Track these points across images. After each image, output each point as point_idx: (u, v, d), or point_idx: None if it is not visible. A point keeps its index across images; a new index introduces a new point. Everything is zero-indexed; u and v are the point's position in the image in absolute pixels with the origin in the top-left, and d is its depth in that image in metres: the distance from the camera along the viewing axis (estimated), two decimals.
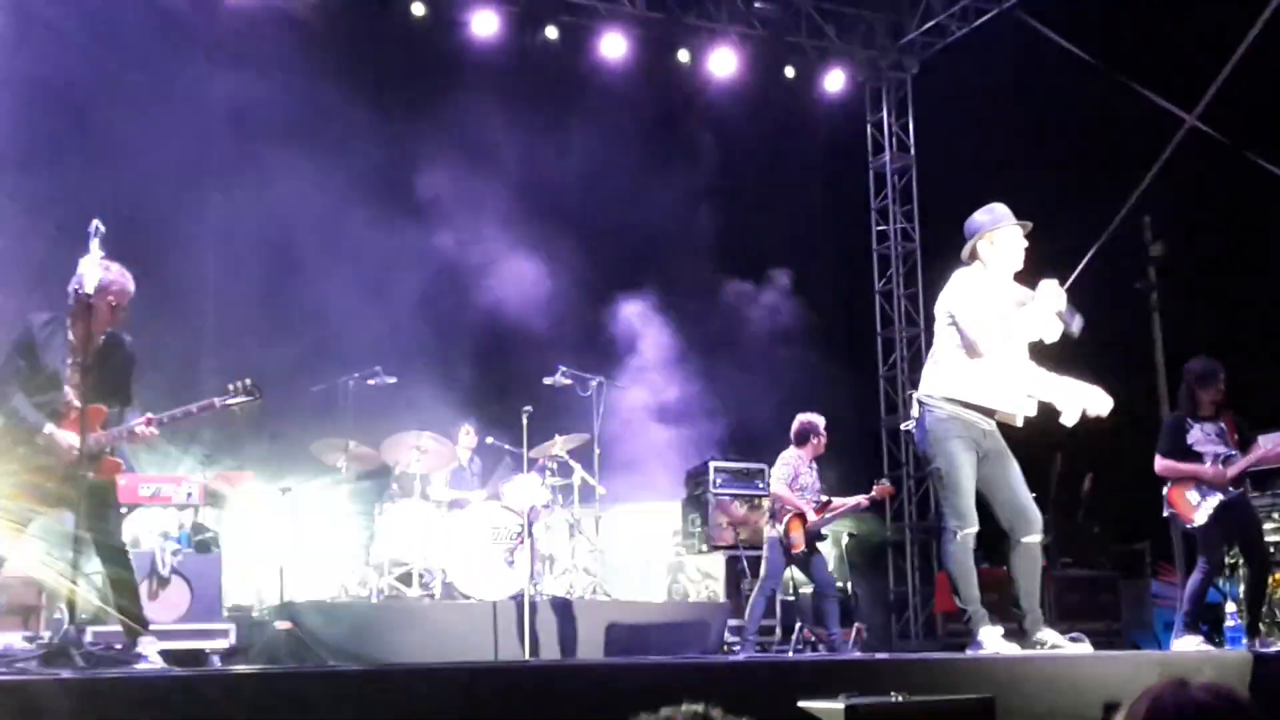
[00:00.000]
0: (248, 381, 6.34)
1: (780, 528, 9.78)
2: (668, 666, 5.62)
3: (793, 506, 9.82)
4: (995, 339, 6.13)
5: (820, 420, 10.11)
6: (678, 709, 1.82)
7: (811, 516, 9.80)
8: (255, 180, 10.85)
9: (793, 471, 9.96)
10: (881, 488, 10.38)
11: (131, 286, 6.10)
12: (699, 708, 1.84)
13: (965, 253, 6.40)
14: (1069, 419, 6.34)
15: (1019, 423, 6.34)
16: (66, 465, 5.76)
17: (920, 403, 6.38)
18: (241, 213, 10.95)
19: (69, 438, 5.81)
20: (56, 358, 5.97)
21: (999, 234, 6.31)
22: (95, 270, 5.74)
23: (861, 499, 10.20)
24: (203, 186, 11.17)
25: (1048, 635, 6.23)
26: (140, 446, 9.09)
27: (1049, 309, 6.09)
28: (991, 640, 6.15)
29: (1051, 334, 6.20)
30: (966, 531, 6.21)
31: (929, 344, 6.71)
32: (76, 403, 5.85)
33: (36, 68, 10.02)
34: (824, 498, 9.99)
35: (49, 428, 5.84)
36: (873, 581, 13.63)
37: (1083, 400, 6.28)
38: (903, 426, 6.22)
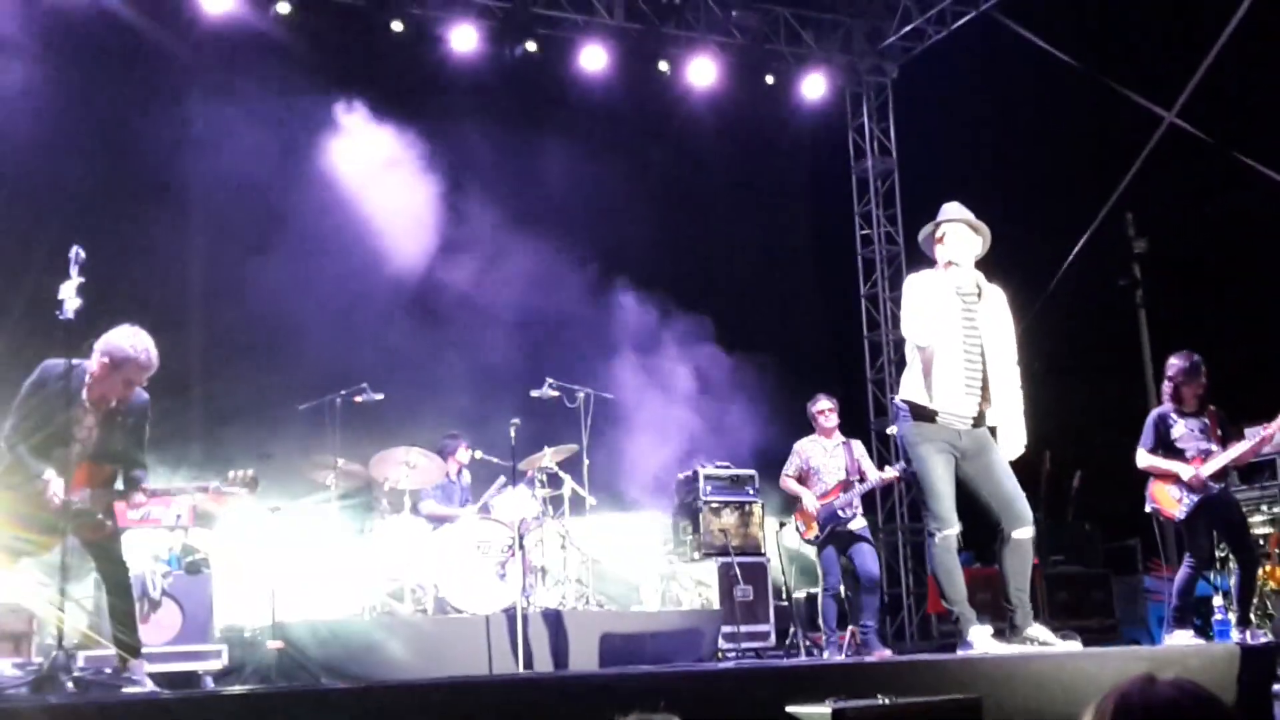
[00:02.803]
0: (249, 473, 6.40)
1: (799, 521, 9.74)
2: (659, 675, 5.63)
3: (792, 493, 9.74)
4: (926, 336, 6.21)
5: (818, 401, 9.90)
6: (643, 715, 1.83)
7: (812, 503, 9.56)
8: (235, 198, 10.89)
9: (800, 459, 9.80)
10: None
11: (156, 363, 6.15)
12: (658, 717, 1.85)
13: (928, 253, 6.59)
14: None
15: (964, 422, 6.34)
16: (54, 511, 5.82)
17: (898, 408, 6.49)
18: (224, 230, 10.97)
19: (59, 488, 5.81)
20: (67, 412, 5.95)
21: (944, 232, 6.41)
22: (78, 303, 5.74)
23: (874, 481, 9.72)
24: (181, 209, 11.18)
25: (1038, 631, 6.27)
26: None
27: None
28: (981, 640, 6.17)
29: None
30: (946, 533, 6.27)
31: None
32: (78, 459, 5.91)
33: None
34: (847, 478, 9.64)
35: (48, 473, 5.83)
36: None
37: (1004, 436, 6.38)
38: (888, 430, 6.27)
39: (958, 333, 6.26)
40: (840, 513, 9.52)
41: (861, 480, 9.64)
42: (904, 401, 6.37)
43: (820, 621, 9.77)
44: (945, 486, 6.25)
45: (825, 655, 9.53)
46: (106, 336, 6.01)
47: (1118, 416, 10.15)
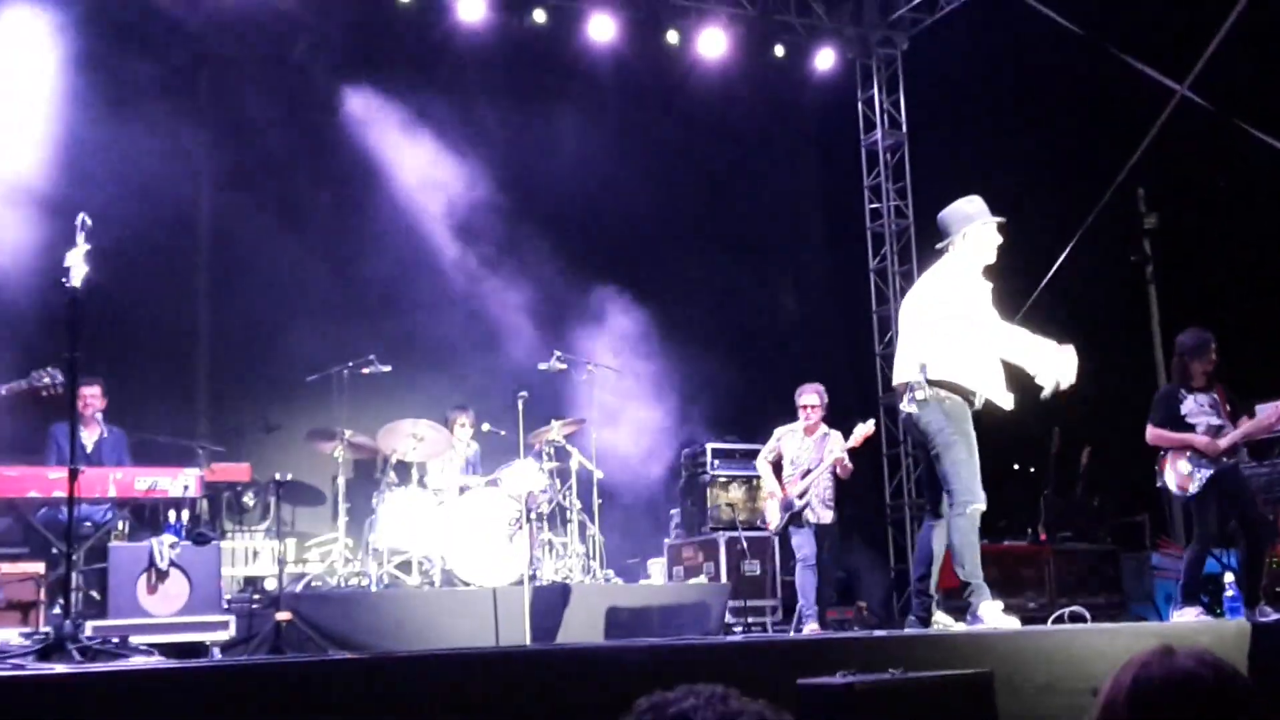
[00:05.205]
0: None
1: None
2: (668, 648, 5.61)
3: (767, 483, 9.87)
4: (987, 334, 6.47)
5: (806, 391, 9.79)
6: (692, 688, 1.79)
7: (776, 492, 9.71)
8: (242, 170, 10.86)
9: (774, 446, 9.89)
10: (864, 430, 9.53)
11: None
12: (718, 688, 1.81)
13: (951, 242, 6.62)
14: (1046, 391, 6.45)
15: (1008, 406, 6.62)
16: None
17: (933, 385, 6.48)
18: (232, 203, 10.94)
19: None
20: None
21: (981, 229, 6.62)
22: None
23: (838, 457, 9.50)
24: (191, 179, 11.13)
25: (941, 618, 6.59)
26: (134, 441, 9.14)
27: (1047, 364, 6.35)
28: (991, 615, 6.18)
29: (1027, 365, 6.45)
30: (976, 506, 6.41)
31: None
32: None
33: None
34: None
35: None
36: (873, 558, 13.60)
37: (1055, 369, 6.40)
38: (904, 408, 6.22)
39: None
40: (795, 501, 9.59)
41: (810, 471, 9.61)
42: (946, 381, 6.42)
43: (799, 596, 9.79)
44: (977, 462, 6.45)
45: (806, 629, 9.49)
46: None
47: (1128, 392, 10.13)
